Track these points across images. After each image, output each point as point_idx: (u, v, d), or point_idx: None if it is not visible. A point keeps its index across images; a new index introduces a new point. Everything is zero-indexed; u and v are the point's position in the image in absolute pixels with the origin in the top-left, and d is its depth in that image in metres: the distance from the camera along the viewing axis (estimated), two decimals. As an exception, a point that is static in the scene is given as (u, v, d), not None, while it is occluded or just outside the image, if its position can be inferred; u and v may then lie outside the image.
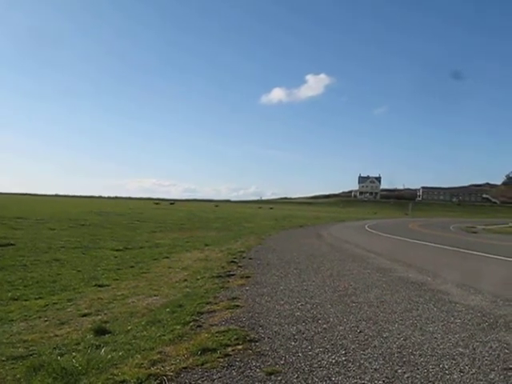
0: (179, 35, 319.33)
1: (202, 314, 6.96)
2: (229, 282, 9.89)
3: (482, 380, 4.35)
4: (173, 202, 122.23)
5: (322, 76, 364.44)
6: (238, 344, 5.35)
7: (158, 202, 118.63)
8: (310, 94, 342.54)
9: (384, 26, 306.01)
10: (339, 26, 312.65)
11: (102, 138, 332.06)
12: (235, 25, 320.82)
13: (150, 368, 4.61)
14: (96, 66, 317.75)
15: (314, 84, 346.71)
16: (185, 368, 4.61)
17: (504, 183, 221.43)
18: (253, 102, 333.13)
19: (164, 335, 5.78)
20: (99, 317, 6.99)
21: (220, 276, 10.55)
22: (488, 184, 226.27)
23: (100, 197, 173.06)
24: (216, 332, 5.82)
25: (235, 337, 5.59)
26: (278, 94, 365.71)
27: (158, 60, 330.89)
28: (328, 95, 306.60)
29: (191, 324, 6.33)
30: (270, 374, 4.46)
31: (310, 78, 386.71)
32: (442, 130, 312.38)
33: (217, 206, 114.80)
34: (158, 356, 4.95)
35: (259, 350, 5.18)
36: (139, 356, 4.98)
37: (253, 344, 5.38)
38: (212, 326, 6.23)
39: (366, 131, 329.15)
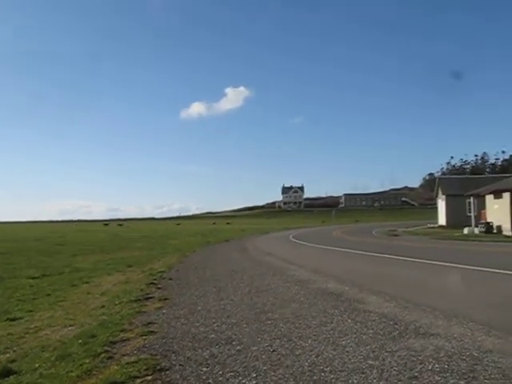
0: (90, 57, 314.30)
1: (115, 343, 6.69)
2: (146, 305, 9.63)
3: (388, 393, 4.39)
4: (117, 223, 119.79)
5: (241, 89, 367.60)
6: (148, 374, 5.15)
7: (107, 223, 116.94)
8: (229, 106, 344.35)
9: (300, 35, 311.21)
10: (255, 38, 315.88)
11: (17, 161, 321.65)
12: (146, 42, 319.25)
13: (52, 410, 4.40)
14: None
15: (234, 97, 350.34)
16: (89, 407, 4.42)
17: (421, 186, 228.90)
18: (172, 117, 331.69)
19: (72, 371, 5.48)
20: (7, 355, 6.56)
21: (138, 300, 10.25)
22: (407, 187, 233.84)
23: (17, 222, 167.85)
24: (126, 363, 5.59)
25: (145, 367, 5.38)
26: (197, 109, 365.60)
27: (73, 81, 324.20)
28: (247, 107, 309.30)
29: (102, 356, 6.05)
30: (178, 405, 4.35)
31: (229, 91, 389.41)
32: (360, 136, 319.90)
33: (178, 224, 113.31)
34: (63, 396, 4.73)
35: (169, 379, 5.01)
36: (42, 398, 4.75)
37: (163, 373, 5.20)
38: (124, 356, 6.00)
39: (287, 141, 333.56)
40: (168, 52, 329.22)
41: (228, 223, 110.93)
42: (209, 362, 5.59)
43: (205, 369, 5.32)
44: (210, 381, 4.92)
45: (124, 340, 6.86)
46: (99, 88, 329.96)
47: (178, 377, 5.09)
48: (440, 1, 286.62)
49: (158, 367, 5.42)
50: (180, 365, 5.52)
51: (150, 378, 5.09)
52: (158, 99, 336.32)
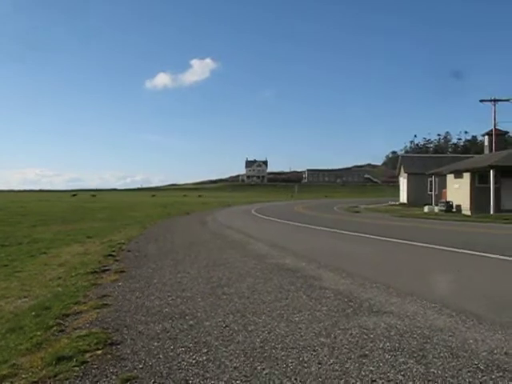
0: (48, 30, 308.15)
1: (68, 316, 6.59)
2: (102, 277, 9.54)
3: (337, 370, 4.38)
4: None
5: (208, 60, 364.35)
6: (98, 349, 5.07)
7: (75, 193, 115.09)
8: (195, 78, 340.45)
9: (269, 10, 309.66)
10: (221, 9, 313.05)
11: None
12: (111, 12, 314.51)
13: (-4, 385, 4.30)
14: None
15: (200, 69, 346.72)
16: (35, 382, 4.30)
17: (384, 163, 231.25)
18: (136, 87, 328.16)
19: (22, 344, 5.40)
20: (-42, 326, 6.48)
21: (95, 272, 10.13)
22: (370, 165, 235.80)
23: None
24: (77, 336, 5.50)
25: (96, 341, 5.30)
26: (162, 79, 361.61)
27: (34, 45, 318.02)
28: (214, 80, 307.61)
29: (54, 329, 5.96)
30: (126, 380, 4.24)
31: (195, 62, 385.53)
32: (325, 112, 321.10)
33: (154, 195, 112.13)
34: (10, 370, 4.58)
35: (119, 353, 4.96)
36: (-11, 372, 4.65)
37: (113, 347, 5.14)
38: (75, 329, 5.91)
39: (253, 115, 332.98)
40: (132, 21, 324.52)
41: (200, 196, 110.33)
42: (160, 336, 5.55)
43: (156, 343, 5.28)
44: (161, 356, 4.88)
45: (77, 313, 6.78)
46: (63, 57, 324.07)
47: (129, 351, 5.04)
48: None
49: (109, 341, 5.36)
50: (131, 339, 5.46)
51: (99, 352, 5.02)
52: (122, 69, 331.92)
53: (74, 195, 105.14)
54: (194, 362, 4.69)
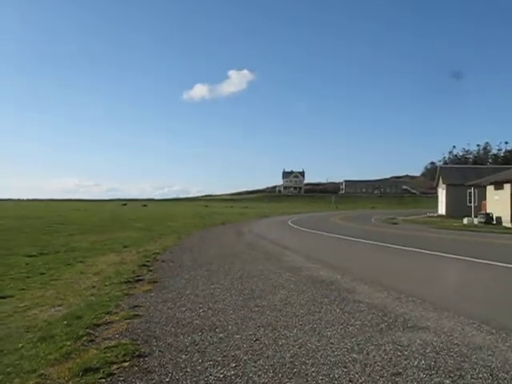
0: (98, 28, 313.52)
1: (98, 325, 6.56)
2: (135, 287, 9.51)
3: (369, 389, 4.25)
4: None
5: (245, 72, 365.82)
6: (125, 361, 5.02)
7: (125, 203, 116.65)
8: (232, 89, 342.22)
9: (305, 23, 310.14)
10: (259, 21, 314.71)
11: (19, 137, 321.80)
12: (156, 19, 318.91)
13: (23, 395, 4.27)
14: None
15: (237, 80, 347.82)
16: (61, 394, 4.28)
17: (422, 174, 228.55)
18: (175, 98, 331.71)
19: (51, 353, 5.36)
20: (-7, 334, 6.49)
21: (128, 281, 10.13)
22: (408, 176, 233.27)
23: (19, 200, 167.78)
24: (105, 347, 5.46)
25: (124, 352, 5.24)
26: (200, 91, 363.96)
27: (73, 57, 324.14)
28: (251, 91, 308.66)
29: (84, 339, 5.92)
30: (152, 394, 4.21)
31: (232, 73, 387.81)
32: (363, 124, 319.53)
33: (206, 206, 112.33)
34: (38, 380, 4.55)
35: (146, 366, 4.88)
36: (17, 381, 4.60)
37: (141, 360, 5.07)
38: (105, 339, 5.86)
39: (290, 126, 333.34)
40: (170, 32, 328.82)
41: (238, 207, 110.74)
42: (189, 349, 5.45)
43: (184, 356, 5.20)
44: (188, 369, 4.79)
45: (108, 323, 6.74)
46: (105, 68, 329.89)
47: (156, 364, 4.96)
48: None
49: (137, 353, 5.30)
50: (159, 351, 5.38)
51: (126, 364, 4.95)
52: (160, 80, 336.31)
53: (124, 204, 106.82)
54: (221, 376, 4.59)
